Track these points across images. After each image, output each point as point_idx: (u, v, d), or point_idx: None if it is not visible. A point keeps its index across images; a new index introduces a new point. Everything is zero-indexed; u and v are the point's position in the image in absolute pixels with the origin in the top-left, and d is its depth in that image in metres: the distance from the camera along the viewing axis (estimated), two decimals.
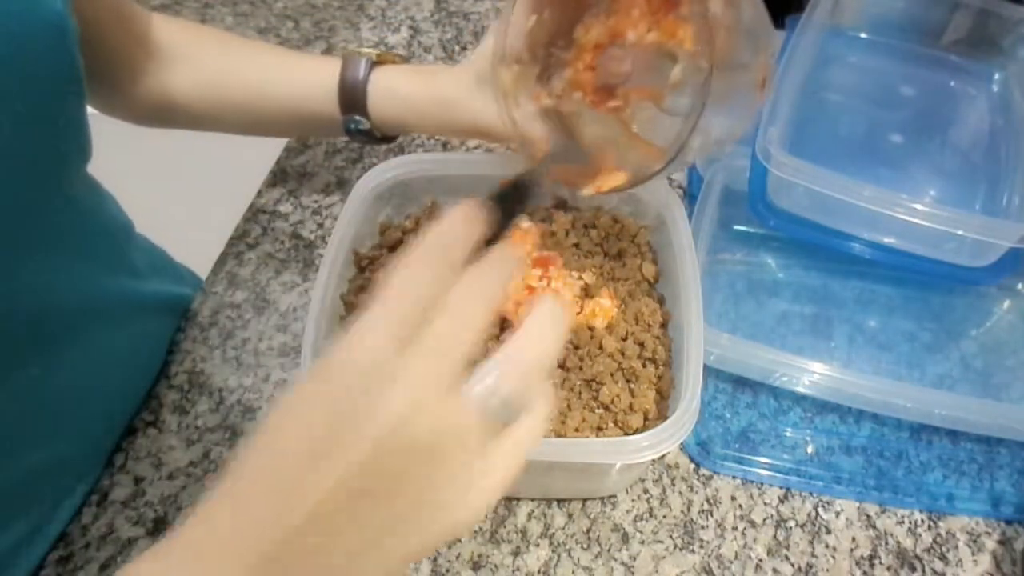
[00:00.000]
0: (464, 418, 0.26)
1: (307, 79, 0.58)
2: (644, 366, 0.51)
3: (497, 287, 0.28)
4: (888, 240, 0.59)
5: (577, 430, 0.47)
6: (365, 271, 0.56)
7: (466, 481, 0.27)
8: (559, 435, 0.47)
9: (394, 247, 0.58)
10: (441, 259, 0.27)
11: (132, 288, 0.57)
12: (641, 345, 0.52)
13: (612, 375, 0.50)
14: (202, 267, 0.66)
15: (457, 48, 0.81)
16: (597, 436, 0.48)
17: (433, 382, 0.26)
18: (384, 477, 0.25)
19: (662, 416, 0.48)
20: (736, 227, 0.66)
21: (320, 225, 0.68)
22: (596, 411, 0.49)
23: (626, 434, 0.48)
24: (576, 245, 0.58)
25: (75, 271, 0.49)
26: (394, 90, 0.56)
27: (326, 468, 0.24)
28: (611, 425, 0.48)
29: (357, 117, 0.57)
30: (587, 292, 0.54)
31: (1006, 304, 0.63)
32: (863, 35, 0.75)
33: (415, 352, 0.26)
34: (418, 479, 0.26)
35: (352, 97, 0.56)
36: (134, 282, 0.58)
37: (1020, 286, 0.64)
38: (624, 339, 0.52)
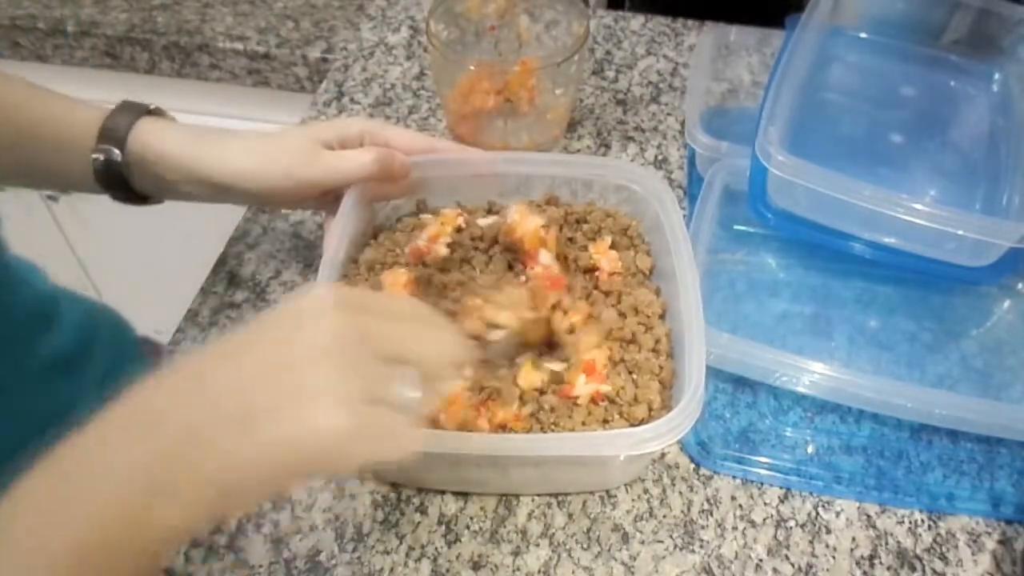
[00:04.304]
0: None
1: (67, 109, 0.52)
2: (646, 358, 0.51)
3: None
4: (888, 240, 0.59)
5: (584, 423, 0.48)
6: (360, 272, 0.56)
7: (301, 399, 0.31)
8: (566, 428, 0.48)
9: (389, 249, 0.58)
10: None
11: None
12: (640, 335, 0.52)
13: (615, 367, 0.50)
14: (201, 267, 0.66)
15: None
16: (603, 428, 0.48)
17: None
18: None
19: (666, 407, 0.48)
20: (736, 227, 0.66)
21: (320, 225, 0.68)
22: (601, 403, 0.49)
23: (631, 426, 0.48)
24: (570, 240, 0.58)
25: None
26: (165, 131, 0.52)
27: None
28: (617, 417, 0.48)
29: (112, 148, 0.51)
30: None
31: (1006, 304, 0.63)
32: (863, 35, 0.75)
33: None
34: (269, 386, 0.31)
35: (114, 125, 0.51)
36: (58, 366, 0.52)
37: (1020, 286, 0.64)
38: (624, 331, 0.52)
